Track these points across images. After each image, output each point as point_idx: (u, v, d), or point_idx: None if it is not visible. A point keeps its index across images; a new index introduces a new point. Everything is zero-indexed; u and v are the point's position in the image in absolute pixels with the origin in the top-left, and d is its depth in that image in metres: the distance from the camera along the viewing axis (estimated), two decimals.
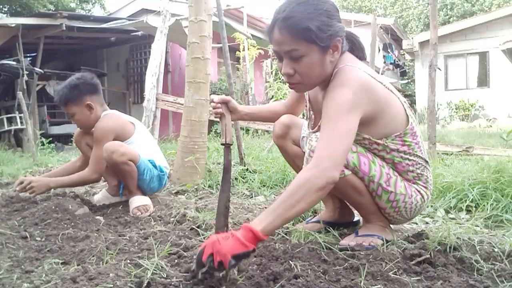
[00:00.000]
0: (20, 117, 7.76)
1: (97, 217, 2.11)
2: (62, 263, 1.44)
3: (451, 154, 3.83)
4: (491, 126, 10.57)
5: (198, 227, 1.86)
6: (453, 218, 2.04)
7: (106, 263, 1.42)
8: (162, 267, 1.32)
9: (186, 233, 1.80)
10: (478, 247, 1.45)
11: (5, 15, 14.10)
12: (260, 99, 10.14)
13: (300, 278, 1.18)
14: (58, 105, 2.48)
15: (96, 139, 2.31)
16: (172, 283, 1.21)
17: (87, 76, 2.43)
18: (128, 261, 1.40)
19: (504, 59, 12.62)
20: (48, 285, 1.20)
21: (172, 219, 2.04)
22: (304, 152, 1.67)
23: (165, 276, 1.27)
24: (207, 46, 3.07)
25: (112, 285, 1.18)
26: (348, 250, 1.44)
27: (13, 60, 8.00)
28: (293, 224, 1.88)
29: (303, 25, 1.33)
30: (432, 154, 3.39)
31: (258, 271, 1.26)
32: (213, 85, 8.67)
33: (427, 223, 2.01)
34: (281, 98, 7.52)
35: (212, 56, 4.14)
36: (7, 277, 1.29)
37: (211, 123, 6.79)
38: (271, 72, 9.23)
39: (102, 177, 2.51)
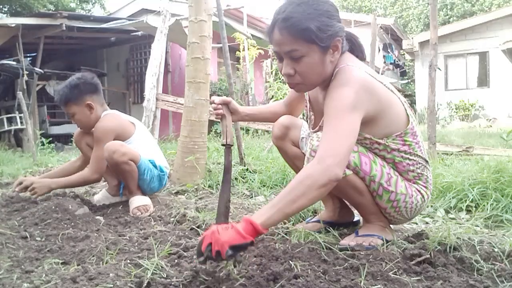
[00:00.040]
0: (20, 117, 7.76)
1: (97, 217, 2.11)
2: (62, 263, 1.44)
3: (451, 154, 3.83)
4: (491, 126, 10.57)
5: (198, 227, 1.86)
6: (453, 218, 2.04)
7: (106, 263, 1.42)
8: (162, 267, 1.32)
9: (186, 233, 1.80)
10: (478, 247, 1.45)
11: (5, 15, 14.11)
12: (260, 99, 10.13)
13: (300, 278, 1.18)
14: (58, 105, 2.48)
15: (96, 139, 2.31)
16: (172, 283, 1.21)
17: (88, 76, 2.43)
18: (128, 261, 1.40)
19: (504, 59, 12.63)
20: (48, 285, 1.20)
21: (172, 219, 2.04)
22: (304, 153, 1.67)
23: (165, 276, 1.27)
24: (207, 46, 3.07)
25: (112, 285, 1.18)
26: (348, 250, 1.44)
27: (13, 60, 8.00)
28: (293, 224, 1.88)
29: (303, 25, 1.33)
30: (432, 154, 3.39)
31: (258, 271, 1.26)
32: (213, 85, 8.67)
33: (427, 223, 2.01)
34: (281, 98, 7.51)
35: (212, 56, 4.14)
36: (7, 277, 1.29)
37: (211, 123, 6.79)
38: (271, 72, 9.23)
39: (102, 177, 2.51)
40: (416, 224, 1.98)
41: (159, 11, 7.34)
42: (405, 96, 15.79)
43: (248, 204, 2.33)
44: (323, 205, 1.92)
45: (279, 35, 1.37)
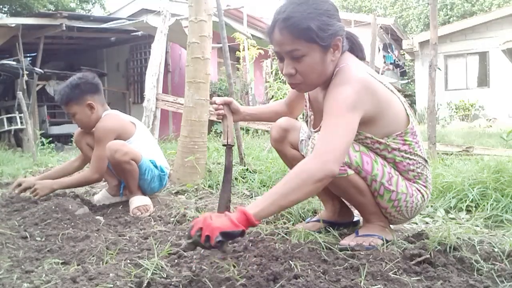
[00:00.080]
0: (20, 117, 7.75)
1: (97, 217, 2.11)
2: (62, 263, 1.44)
3: (451, 154, 3.83)
4: (491, 126, 10.56)
5: None
6: (453, 218, 2.04)
7: (106, 263, 1.42)
8: (162, 267, 1.32)
9: (186, 233, 1.80)
10: (478, 247, 1.45)
11: (5, 15, 14.11)
12: (260, 99, 10.13)
13: (300, 278, 1.18)
14: (59, 105, 2.48)
15: (97, 139, 2.31)
16: (172, 283, 1.21)
17: (89, 75, 2.43)
18: (128, 261, 1.40)
19: (504, 59, 12.63)
20: (48, 285, 1.20)
21: (172, 219, 2.04)
22: (303, 156, 1.67)
23: (165, 276, 1.27)
24: (207, 46, 3.07)
25: (112, 285, 1.18)
26: (348, 250, 1.44)
27: (13, 60, 7.99)
28: (293, 224, 1.88)
29: (304, 25, 1.33)
30: (432, 154, 3.39)
31: (258, 271, 1.26)
32: (213, 85, 8.67)
33: (427, 223, 2.00)
34: (281, 98, 7.51)
35: (212, 56, 4.14)
36: (7, 277, 1.29)
37: (211, 123, 6.79)
38: (271, 72, 9.23)
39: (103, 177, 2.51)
40: (416, 224, 1.98)
41: (159, 11, 7.33)
42: (405, 96, 15.80)
43: (248, 204, 2.32)
44: (323, 205, 1.92)
45: (280, 35, 1.37)
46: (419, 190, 1.56)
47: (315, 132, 1.63)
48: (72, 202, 2.09)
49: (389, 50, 18.36)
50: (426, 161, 1.59)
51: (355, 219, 1.85)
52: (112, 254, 1.49)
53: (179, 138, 3.16)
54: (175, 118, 9.12)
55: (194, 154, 2.98)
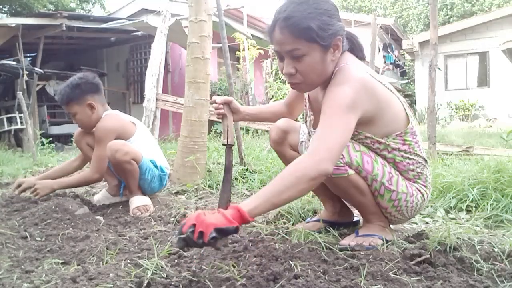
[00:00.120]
0: (20, 117, 7.75)
1: (97, 217, 2.11)
2: (62, 263, 1.44)
3: (451, 154, 3.83)
4: (491, 126, 10.56)
5: None
6: (453, 218, 2.04)
7: (106, 263, 1.42)
8: (162, 267, 1.32)
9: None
10: (478, 247, 1.45)
11: (5, 15, 14.11)
12: (260, 99, 10.13)
13: (300, 278, 1.18)
14: (59, 105, 2.48)
15: (97, 139, 2.31)
16: (172, 283, 1.20)
17: (89, 75, 2.43)
18: (128, 261, 1.40)
19: (504, 59, 12.63)
20: (48, 285, 1.20)
21: (172, 219, 2.04)
22: None
23: (165, 276, 1.27)
24: (207, 46, 3.07)
25: (112, 285, 1.18)
26: (348, 250, 1.44)
27: (13, 60, 8.00)
28: (293, 224, 1.88)
29: (304, 24, 1.33)
30: (432, 154, 3.39)
31: (258, 271, 1.26)
32: (213, 85, 8.67)
33: (427, 223, 2.00)
34: (281, 98, 7.51)
35: (212, 56, 4.14)
36: (7, 277, 1.29)
37: (211, 123, 6.79)
38: (271, 72, 9.23)
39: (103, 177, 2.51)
40: (416, 224, 1.97)
41: (159, 11, 7.33)
42: (405, 96, 15.82)
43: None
44: (323, 205, 1.92)
45: (280, 34, 1.37)
46: (419, 190, 1.56)
47: (315, 131, 1.63)
48: (72, 202, 2.09)
49: (389, 50, 18.36)
50: (425, 160, 1.59)
51: (355, 219, 1.85)
52: (112, 254, 1.49)
53: (179, 138, 3.16)
54: (175, 118, 9.12)
55: (194, 154, 2.98)
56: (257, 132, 6.48)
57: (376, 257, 1.34)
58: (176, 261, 1.40)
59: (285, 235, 1.67)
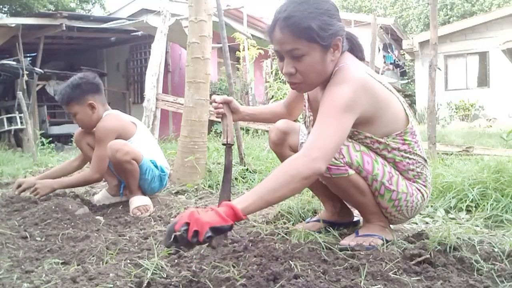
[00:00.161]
0: (20, 117, 7.75)
1: (97, 217, 2.11)
2: (62, 263, 1.44)
3: (451, 154, 3.83)
4: (491, 126, 10.56)
5: None
6: (453, 218, 2.04)
7: (106, 263, 1.42)
8: (162, 267, 1.32)
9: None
10: (478, 247, 1.45)
11: (5, 15, 14.11)
12: (260, 99, 10.13)
13: (300, 278, 1.18)
14: (60, 105, 2.48)
15: (98, 139, 2.31)
16: (172, 283, 1.20)
17: (90, 75, 2.43)
18: (128, 261, 1.40)
19: (504, 59, 12.63)
20: (48, 285, 1.20)
21: (172, 219, 2.04)
22: None
23: (165, 276, 1.27)
24: (207, 46, 3.07)
25: (112, 285, 1.18)
26: (348, 250, 1.44)
27: (13, 60, 8.00)
28: (293, 224, 1.88)
29: (305, 24, 1.33)
30: (432, 154, 3.39)
31: (258, 271, 1.26)
32: (213, 85, 8.67)
33: (427, 223, 2.00)
34: (281, 98, 7.51)
35: (212, 56, 4.14)
36: (7, 277, 1.29)
37: (211, 123, 6.79)
38: (271, 72, 9.22)
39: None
40: (416, 224, 1.97)
41: (159, 11, 7.33)
42: (405, 96, 15.82)
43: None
44: (323, 205, 1.92)
45: (280, 34, 1.37)
46: (419, 190, 1.56)
47: None
48: (72, 202, 2.09)
49: (389, 50, 18.36)
50: (425, 160, 1.59)
51: (355, 219, 1.85)
52: (112, 254, 1.49)
53: (179, 138, 3.16)
54: (175, 118, 9.12)
55: (194, 154, 2.98)
56: (257, 132, 6.48)
57: (376, 257, 1.34)
58: (176, 261, 1.40)
59: (285, 235, 1.67)
